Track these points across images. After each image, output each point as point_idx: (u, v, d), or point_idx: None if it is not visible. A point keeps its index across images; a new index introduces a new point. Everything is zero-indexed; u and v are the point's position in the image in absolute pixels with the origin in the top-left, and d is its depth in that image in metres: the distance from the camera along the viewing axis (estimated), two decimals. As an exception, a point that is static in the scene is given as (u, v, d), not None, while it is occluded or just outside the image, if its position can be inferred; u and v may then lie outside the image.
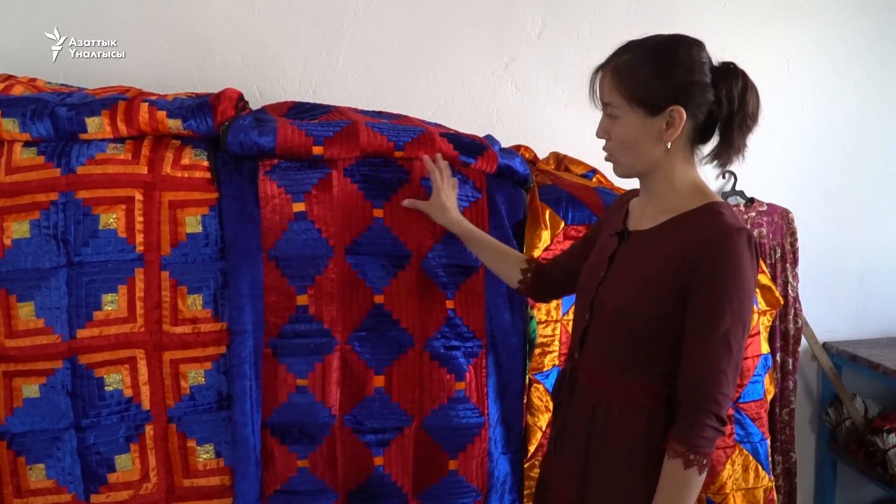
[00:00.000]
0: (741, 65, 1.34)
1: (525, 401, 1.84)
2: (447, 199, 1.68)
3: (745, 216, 2.59)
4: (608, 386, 1.37)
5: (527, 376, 1.84)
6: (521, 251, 1.81)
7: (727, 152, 1.35)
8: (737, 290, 1.25)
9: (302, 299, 1.65)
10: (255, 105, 2.00)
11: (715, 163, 1.38)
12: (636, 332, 1.33)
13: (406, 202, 1.69)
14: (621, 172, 1.41)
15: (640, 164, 1.37)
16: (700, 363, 1.26)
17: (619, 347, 1.36)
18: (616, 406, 1.36)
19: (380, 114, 1.96)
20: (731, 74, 1.32)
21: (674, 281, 1.28)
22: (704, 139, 1.37)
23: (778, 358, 2.58)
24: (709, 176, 2.54)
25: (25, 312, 1.56)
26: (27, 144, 1.62)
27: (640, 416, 1.33)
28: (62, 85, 1.88)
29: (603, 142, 1.39)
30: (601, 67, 1.37)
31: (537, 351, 1.86)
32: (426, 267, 1.73)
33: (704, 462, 1.25)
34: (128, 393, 1.61)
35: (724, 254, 1.25)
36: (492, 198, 1.78)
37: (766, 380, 2.12)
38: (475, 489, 1.77)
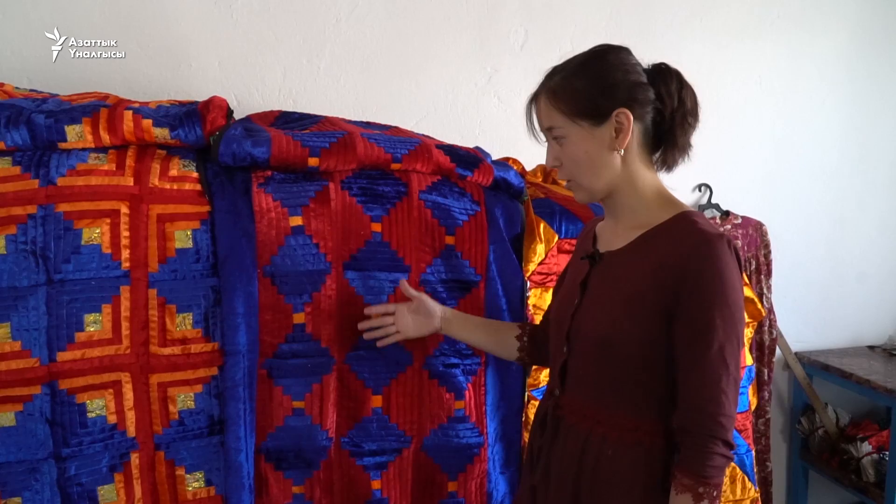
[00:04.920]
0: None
1: (523, 418, 1.80)
2: (426, 317, 1.59)
3: (721, 229, 2.60)
4: (598, 424, 1.29)
5: (525, 393, 1.80)
6: (520, 265, 1.77)
7: (672, 152, 1.32)
8: (726, 299, 1.19)
9: (299, 317, 1.58)
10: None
11: (660, 164, 1.35)
12: (623, 360, 1.25)
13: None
14: (584, 197, 1.36)
15: (600, 183, 1.31)
16: (698, 385, 1.19)
17: (607, 379, 1.28)
18: (609, 446, 1.26)
19: (369, 124, 1.90)
20: (665, 74, 1.30)
21: (656, 298, 1.21)
22: (658, 145, 1.33)
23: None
24: (685, 189, 2.63)
25: (1, 335, 1.43)
26: (1, 154, 1.50)
27: (637, 456, 1.25)
28: (32, 90, 1.76)
29: None
30: (534, 97, 1.34)
31: (533, 367, 1.82)
32: (425, 282, 1.67)
33: (715, 494, 1.17)
34: (112, 419, 1.50)
35: (707, 263, 1.19)
36: (490, 211, 1.74)
37: (750, 391, 2.13)
38: (474, 511, 1.72)
